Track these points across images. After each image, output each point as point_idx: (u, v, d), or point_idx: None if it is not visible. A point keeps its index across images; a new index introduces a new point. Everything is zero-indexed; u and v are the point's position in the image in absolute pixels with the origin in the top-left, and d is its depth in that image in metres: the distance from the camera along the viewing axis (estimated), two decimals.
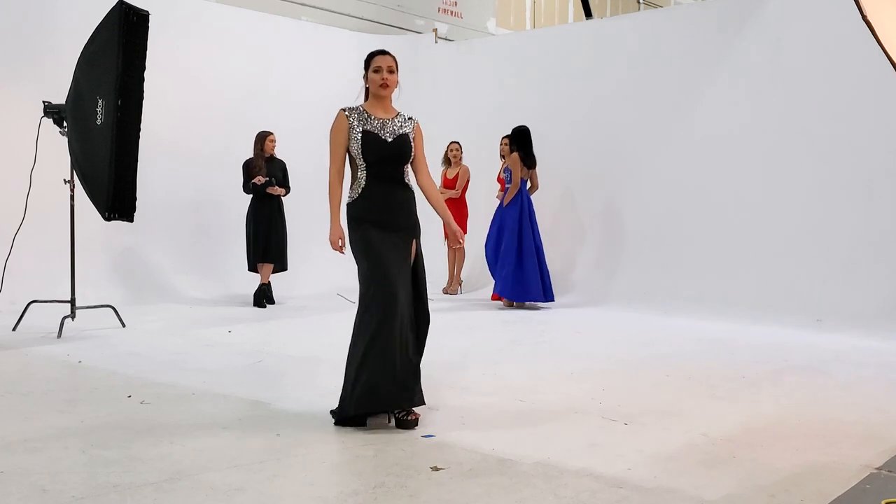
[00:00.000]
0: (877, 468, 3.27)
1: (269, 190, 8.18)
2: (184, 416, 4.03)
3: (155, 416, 4.04)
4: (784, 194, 7.73)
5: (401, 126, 4.00)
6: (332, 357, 5.68)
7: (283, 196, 8.37)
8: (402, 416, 3.83)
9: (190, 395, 4.46)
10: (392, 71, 3.98)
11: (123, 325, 6.64)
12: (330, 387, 4.69)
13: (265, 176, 8.16)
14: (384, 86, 3.96)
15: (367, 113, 3.98)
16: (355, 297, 4.05)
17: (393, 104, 4.09)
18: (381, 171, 3.94)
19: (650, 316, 7.63)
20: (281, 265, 8.36)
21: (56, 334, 6.19)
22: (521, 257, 8.21)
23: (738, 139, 8.09)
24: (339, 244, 3.98)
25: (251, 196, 8.29)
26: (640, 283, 8.49)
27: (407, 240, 3.97)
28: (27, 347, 5.82)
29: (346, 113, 3.98)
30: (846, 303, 7.05)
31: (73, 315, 6.43)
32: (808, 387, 4.81)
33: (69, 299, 6.45)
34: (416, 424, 3.81)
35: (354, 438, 3.66)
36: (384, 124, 3.96)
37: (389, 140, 3.94)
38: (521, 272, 8.19)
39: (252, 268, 8.35)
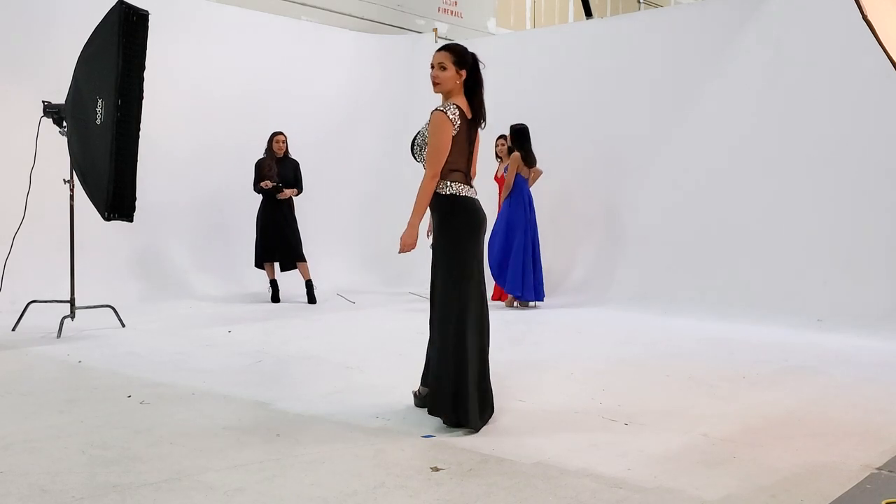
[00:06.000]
0: (877, 468, 3.27)
1: (279, 195, 8.25)
2: (184, 416, 4.03)
3: (155, 416, 4.04)
4: (784, 194, 7.72)
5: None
6: (332, 357, 5.68)
7: (295, 196, 8.43)
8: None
9: (190, 395, 4.45)
10: (444, 67, 3.85)
11: (123, 325, 6.64)
12: (330, 387, 4.71)
13: (275, 178, 8.23)
14: (434, 83, 3.92)
15: None
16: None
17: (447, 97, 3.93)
18: None
19: (650, 316, 7.62)
20: (298, 257, 8.39)
21: (56, 334, 6.18)
22: (526, 256, 8.20)
23: (737, 139, 8.08)
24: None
25: (261, 195, 8.35)
26: (640, 283, 8.48)
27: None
28: (27, 347, 5.82)
29: None
30: (847, 303, 7.04)
31: (72, 315, 6.42)
32: (808, 387, 4.80)
33: (69, 299, 6.45)
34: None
35: (354, 439, 3.65)
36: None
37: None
38: (530, 271, 8.18)
39: (258, 264, 8.44)
